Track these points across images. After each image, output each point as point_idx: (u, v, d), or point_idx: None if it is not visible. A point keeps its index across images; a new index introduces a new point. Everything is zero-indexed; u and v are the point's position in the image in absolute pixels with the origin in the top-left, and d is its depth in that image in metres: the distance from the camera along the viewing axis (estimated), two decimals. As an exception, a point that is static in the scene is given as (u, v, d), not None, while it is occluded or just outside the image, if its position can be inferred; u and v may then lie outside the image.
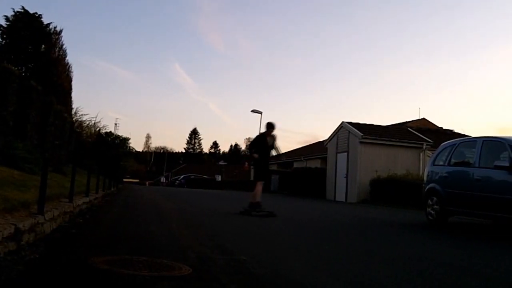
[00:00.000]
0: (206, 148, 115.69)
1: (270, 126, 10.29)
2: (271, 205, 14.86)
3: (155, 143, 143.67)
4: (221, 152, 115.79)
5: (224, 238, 5.79)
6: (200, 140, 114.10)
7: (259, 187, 9.96)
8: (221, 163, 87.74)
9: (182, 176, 48.10)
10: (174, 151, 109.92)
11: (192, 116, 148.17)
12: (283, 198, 21.33)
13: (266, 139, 10.19)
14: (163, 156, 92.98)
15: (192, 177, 46.89)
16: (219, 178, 55.41)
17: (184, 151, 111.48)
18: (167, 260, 3.88)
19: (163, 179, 68.86)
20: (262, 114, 34.81)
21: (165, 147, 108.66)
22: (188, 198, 16.30)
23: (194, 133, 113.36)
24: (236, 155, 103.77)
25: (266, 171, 10.66)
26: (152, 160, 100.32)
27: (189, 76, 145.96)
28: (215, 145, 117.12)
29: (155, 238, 5.32)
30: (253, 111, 34.83)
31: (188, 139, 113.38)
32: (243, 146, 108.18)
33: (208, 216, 9.22)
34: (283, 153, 44.20)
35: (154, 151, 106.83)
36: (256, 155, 10.04)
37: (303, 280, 3.54)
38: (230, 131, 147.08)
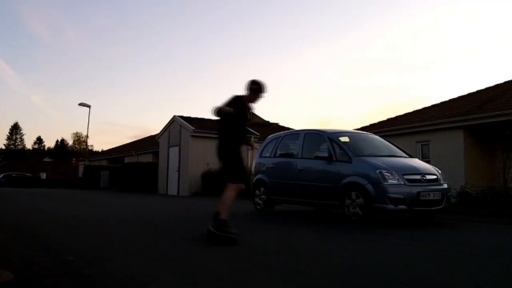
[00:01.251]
0: (29, 144, 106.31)
1: (258, 88, 5.57)
2: (101, 204, 14.20)
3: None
4: (46, 148, 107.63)
5: (51, 239, 5.36)
6: (23, 135, 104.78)
7: (231, 192, 5.31)
8: (47, 159, 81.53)
9: (1, 175, 43.40)
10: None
11: (13, 110, 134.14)
12: (114, 194, 20.55)
13: (246, 107, 5.60)
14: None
15: (14, 175, 42.73)
16: (44, 176, 51.47)
17: (4, 147, 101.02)
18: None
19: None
20: (91, 107, 33.19)
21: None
22: (10, 198, 14.87)
23: (15, 128, 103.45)
24: (63, 150, 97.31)
25: (240, 162, 5.49)
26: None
27: (8, 66, 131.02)
28: (39, 140, 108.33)
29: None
30: (81, 104, 32.97)
31: (8, 134, 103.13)
32: (70, 141, 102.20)
33: (31, 215, 8.42)
34: (112, 148, 42.52)
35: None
36: (230, 110, 5.16)
37: (136, 276, 3.40)
38: (56, 125, 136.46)
